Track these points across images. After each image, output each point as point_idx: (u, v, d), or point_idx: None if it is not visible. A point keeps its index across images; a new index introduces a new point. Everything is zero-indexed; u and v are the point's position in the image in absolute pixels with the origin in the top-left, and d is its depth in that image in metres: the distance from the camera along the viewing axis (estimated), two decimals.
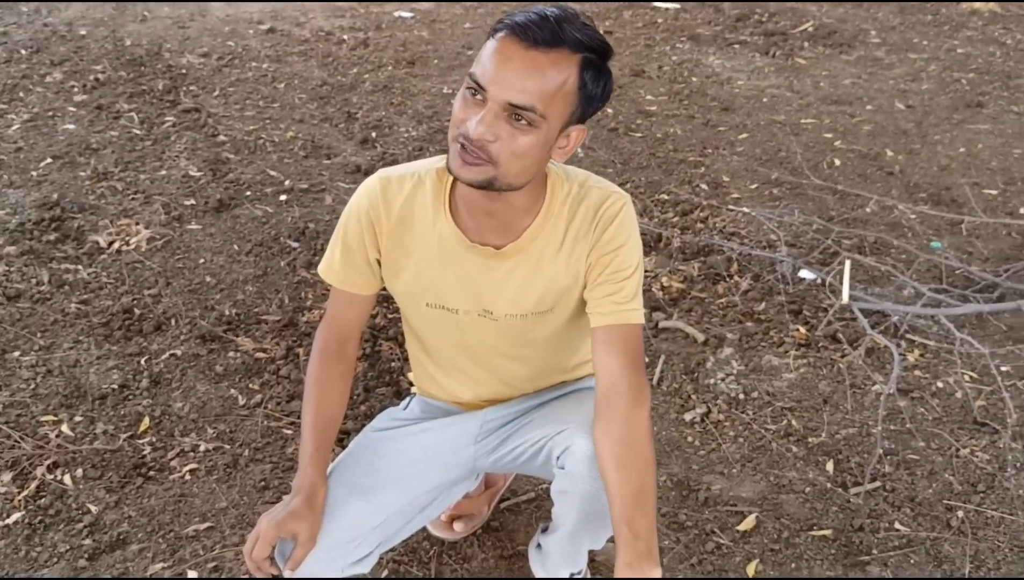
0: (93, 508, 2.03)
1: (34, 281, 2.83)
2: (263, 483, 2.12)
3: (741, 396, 2.48)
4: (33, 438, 2.21)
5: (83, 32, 5.21)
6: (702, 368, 2.58)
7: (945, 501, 2.14)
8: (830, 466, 2.24)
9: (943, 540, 2.04)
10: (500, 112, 1.26)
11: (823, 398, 2.49)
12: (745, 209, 3.49)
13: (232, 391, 2.42)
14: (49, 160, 3.64)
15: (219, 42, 5.24)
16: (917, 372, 2.60)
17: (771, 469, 2.23)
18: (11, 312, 2.67)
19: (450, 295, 1.51)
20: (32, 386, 2.39)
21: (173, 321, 2.69)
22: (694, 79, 5.04)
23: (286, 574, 1.44)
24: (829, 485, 2.19)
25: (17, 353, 2.51)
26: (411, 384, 2.30)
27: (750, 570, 1.94)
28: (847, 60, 5.46)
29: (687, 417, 2.39)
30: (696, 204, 3.53)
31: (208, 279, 2.92)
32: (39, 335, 2.59)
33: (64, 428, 2.25)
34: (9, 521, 1.98)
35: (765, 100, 4.78)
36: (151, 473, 2.14)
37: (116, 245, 3.06)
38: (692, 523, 2.06)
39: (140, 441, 2.23)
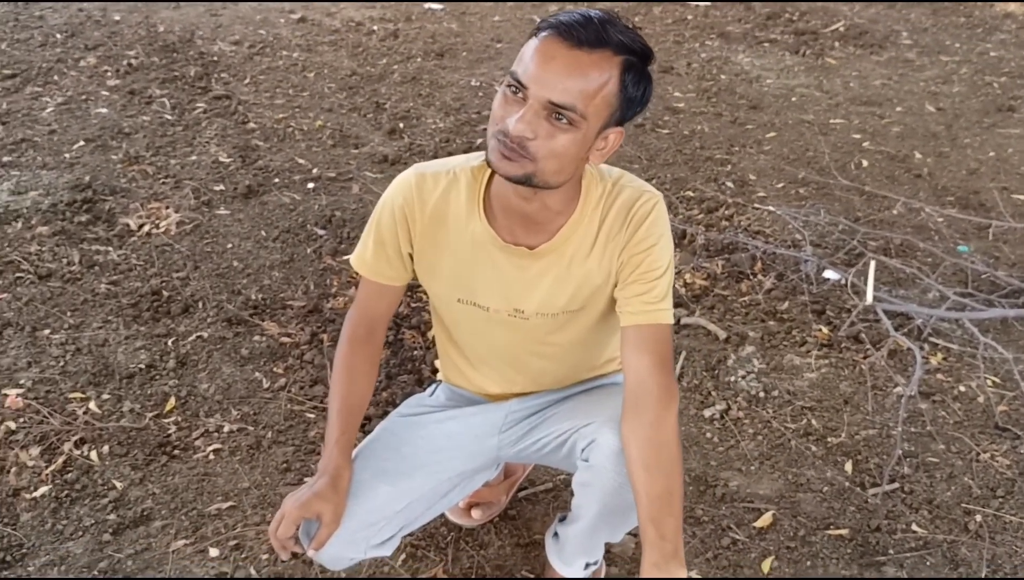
0: (118, 484, 2.07)
1: (65, 261, 2.88)
2: (285, 465, 2.15)
3: (761, 394, 2.48)
4: (61, 414, 2.25)
5: (117, 18, 5.27)
6: (723, 365, 2.59)
7: (963, 504, 2.14)
8: (849, 466, 2.24)
9: (960, 543, 2.04)
10: (540, 110, 1.26)
11: (844, 398, 2.49)
12: (771, 208, 3.48)
13: (257, 374, 2.46)
14: (82, 143, 3.70)
15: (251, 30, 5.28)
16: (939, 375, 2.59)
17: (789, 467, 2.24)
18: (42, 291, 2.72)
19: (481, 293, 1.52)
20: (61, 364, 2.43)
21: (200, 304, 2.73)
22: (723, 77, 5.02)
23: (310, 553, 1.47)
24: (847, 485, 2.19)
25: (47, 331, 2.56)
26: (434, 371, 2.32)
27: (765, 567, 1.95)
28: (878, 61, 5.42)
29: (707, 413, 2.40)
30: (721, 201, 3.52)
31: (235, 264, 2.96)
32: (69, 314, 2.64)
33: (92, 406, 2.29)
34: (36, 494, 2.03)
35: (794, 99, 4.76)
36: (176, 452, 2.18)
37: (146, 228, 3.11)
38: (709, 518, 2.07)
39: (165, 420, 2.27)
